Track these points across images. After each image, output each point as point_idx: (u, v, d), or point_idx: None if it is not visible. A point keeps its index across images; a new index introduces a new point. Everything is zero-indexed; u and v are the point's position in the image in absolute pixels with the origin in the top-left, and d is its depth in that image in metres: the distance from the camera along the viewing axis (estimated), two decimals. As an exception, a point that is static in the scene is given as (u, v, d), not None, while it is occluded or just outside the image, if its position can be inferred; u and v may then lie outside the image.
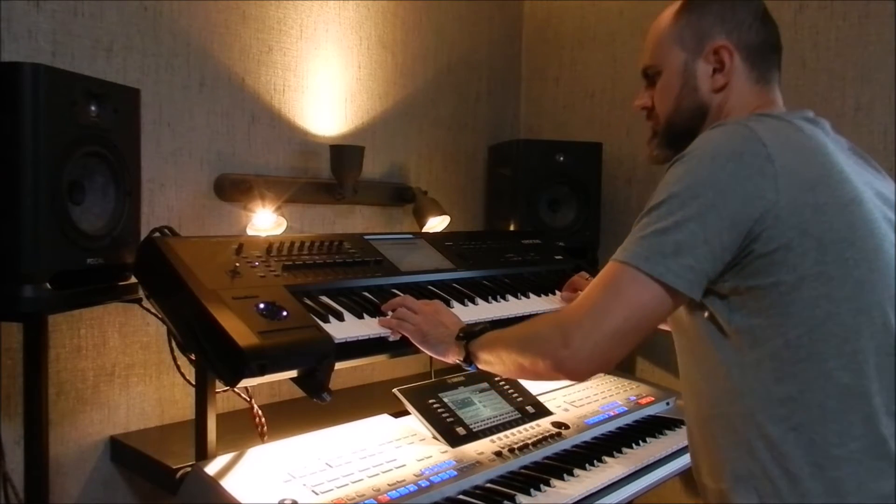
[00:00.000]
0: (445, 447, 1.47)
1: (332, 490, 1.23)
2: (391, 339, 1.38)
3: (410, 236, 1.84)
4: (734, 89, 1.24)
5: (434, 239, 1.88)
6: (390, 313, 1.43)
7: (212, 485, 1.20)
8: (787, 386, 1.06)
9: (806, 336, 1.05)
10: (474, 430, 1.55)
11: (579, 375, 1.17)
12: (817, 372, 1.05)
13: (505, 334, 1.30)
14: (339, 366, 1.29)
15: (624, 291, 1.08)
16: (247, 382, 1.19)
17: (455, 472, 1.38)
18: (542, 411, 1.71)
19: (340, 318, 1.37)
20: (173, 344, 1.48)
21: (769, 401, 1.08)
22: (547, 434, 1.62)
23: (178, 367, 1.52)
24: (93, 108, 1.24)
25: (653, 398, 1.96)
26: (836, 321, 1.05)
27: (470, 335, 1.34)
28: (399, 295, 1.52)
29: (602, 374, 2.06)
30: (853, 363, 1.05)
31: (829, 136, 1.18)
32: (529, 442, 1.56)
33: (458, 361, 1.37)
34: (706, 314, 1.13)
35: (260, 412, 1.48)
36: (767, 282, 1.05)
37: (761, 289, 1.06)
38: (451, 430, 1.51)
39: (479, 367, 1.33)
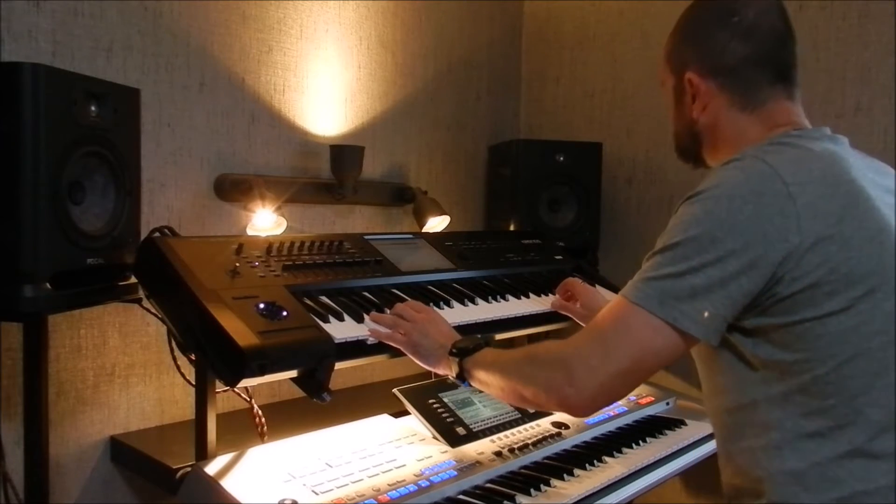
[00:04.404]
0: (445, 447, 1.47)
1: (332, 490, 1.23)
2: (369, 342, 1.35)
3: (410, 236, 1.84)
4: (721, 117, 1.21)
5: (434, 239, 1.88)
6: (376, 324, 1.39)
7: (212, 485, 1.20)
8: (815, 422, 1.04)
9: (834, 372, 1.02)
10: (474, 430, 1.55)
11: (583, 412, 1.14)
12: (847, 408, 1.03)
13: (504, 358, 1.25)
14: (339, 366, 1.29)
15: (634, 334, 1.05)
16: (247, 382, 1.19)
17: (455, 472, 1.38)
18: (542, 411, 1.71)
19: (340, 318, 1.37)
20: (173, 344, 1.48)
21: (797, 436, 1.05)
22: (547, 434, 1.62)
23: (178, 367, 1.52)
24: (93, 108, 1.24)
25: (653, 398, 1.96)
26: (867, 356, 1.02)
27: (463, 352, 1.30)
28: (399, 296, 1.52)
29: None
30: (884, 399, 1.03)
31: (850, 155, 1.14)
32: (529, 442, 1.56)
33: (450, 377, 1.33)
34: (730, 347, 1.10)
35: (260, 412, 1.48)
36: (793, 320, 1.03)
37: (786, 326, 1.03)
38: (451, 430, 1.51)
39: (472, 385, 1.30)
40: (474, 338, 1.34)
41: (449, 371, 1.33)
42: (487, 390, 1.29)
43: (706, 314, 1.02)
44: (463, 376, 1.30)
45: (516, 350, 1.25)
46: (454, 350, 1.31)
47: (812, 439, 1.04)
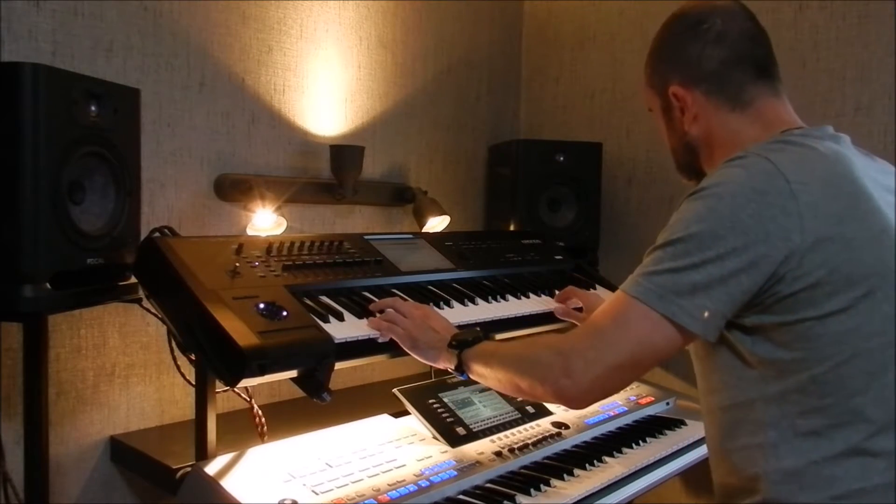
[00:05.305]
0: (445, 447, 1.47)
1: (332, 490, 1.23)
2: (380, 340, 1.36)
3: (410, 236, 1.84)
4: (712, 122, 1.22)
5: (434, 239, 1.88)
6: (378, 314, 1.40)
7: (212, 485, 1.20)
8: (812, 420, 1.04)
9: (832, 371, 1.03)
10: (474, 430, 1.55)
11: (578, 404, 1.16)
12: (844, 408, 1.03)
13: (502, 350, 1.27)
14: (339, 366, 1.29)
15: (633, 327, 1.06)
16: (247, 382, 1.19)
17: (455, 472, 1.38)
18: (542, 411, 1.71)
19: (340, 318, 1.37)
20: (173, 344, 1.48)
21: (793, 434, 1.05)
22: (547, 434, 1.62)
23: (178, 367, 1.52)
24: (93, 108, 1.24)
25: (653, 398, 1.96)
26: (865, 356, 1.03)
27: (463, 344, 1.31)
28: (399, 296, 1.52)
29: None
30: (881, 398, 1.03)
31: (853, 154, 1.14)
32: (529, 442, 1.56)
33: (449, 369, 1.34)
34: (728, 345, 1.10)
35: (260, 412, 1.48)
36: (792, 319, 1.03)
37: (786, 325, 1.04)
38: (451, 430, 1.51)
39: (471, 377, 1.31)
40: (473, 330, 1.36)
41: (448, 364, 1.34)
42: (485, 382, 1.30)
43: (705, 311, 1.03)
44: (461, 368, 1.31)
45: (515, 342, 1.27)
46: (454, 342, 1.32)
47: (808, 438, 1.05)
